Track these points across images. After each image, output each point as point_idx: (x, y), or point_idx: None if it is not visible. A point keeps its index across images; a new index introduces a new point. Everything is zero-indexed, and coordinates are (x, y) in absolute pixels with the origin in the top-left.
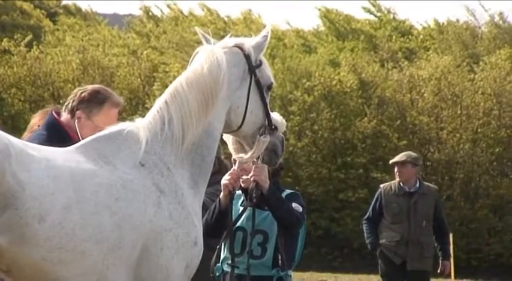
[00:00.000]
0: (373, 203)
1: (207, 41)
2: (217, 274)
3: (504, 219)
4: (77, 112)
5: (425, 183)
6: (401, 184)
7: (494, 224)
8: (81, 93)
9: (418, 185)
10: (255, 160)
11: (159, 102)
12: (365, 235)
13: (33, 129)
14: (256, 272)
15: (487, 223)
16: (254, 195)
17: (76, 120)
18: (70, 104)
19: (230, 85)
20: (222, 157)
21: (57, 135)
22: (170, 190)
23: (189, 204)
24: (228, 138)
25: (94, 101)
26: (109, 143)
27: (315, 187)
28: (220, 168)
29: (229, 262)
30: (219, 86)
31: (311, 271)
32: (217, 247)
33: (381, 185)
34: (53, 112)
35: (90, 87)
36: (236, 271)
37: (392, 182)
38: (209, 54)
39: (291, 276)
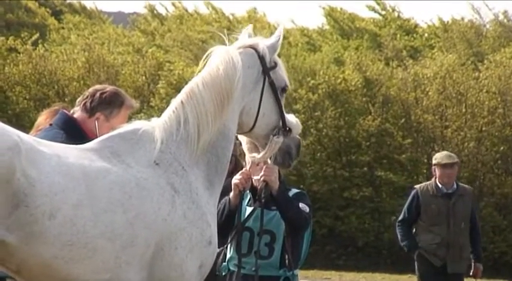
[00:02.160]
0: (407, 204)
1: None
2: (223, 273)
3: (508, 218)
4: (97, 113)
5: (461, 184)
6: (440, 185)
7: (499, 223)
8: (102, 94)
9: (455, 186)
10: (267, 160)
11: (175, 103)
12: (399, 237)
13: (40, 128)
14: (264, 272)
15: (492, 222)
16: (263, 195)
17: (96, 121)
18: (89, 104)
19: (245, 87)
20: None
21: (75, 133)
22: (184, 189)
23: (203, 204)
24: (243, 137)
25: (114, 103)
26: (123, 142)
27: (320, 185)
28: (236, 166)
29: (236, 261)
30: (234, 87)
31: (315, 269)
32: (225, 246)
33: (416, 186)
34: (65, 111)
35: (109, 89)
36: (242, 271)
37: (428, 183)
38: (225, 56)
39: (297, 275)
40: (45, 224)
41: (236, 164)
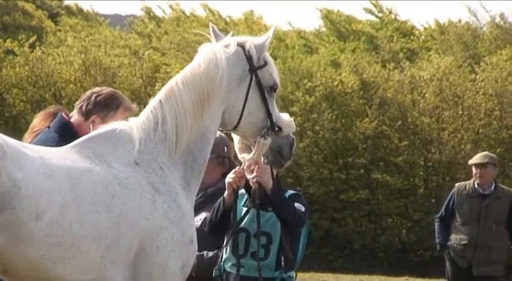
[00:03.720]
0: (446, 202)
1: (217, 37)
2: (218, 274)
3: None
4: (93, 116)
5: (501, 186)
6: (476, 186)
7: None
8: (97, 97)
9: (493, 187)
10: (260, 160)
11: (153, 102)
12: (436, 234)
13: (35, 130)
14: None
15: None
16: (257, 196)
17: (91, 124)
18: (84, 107)
19: (228, 85)
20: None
21: (70, 137)
22: (164, 189)
23: (183, 203)
24: (235, 137)
25: (110, 106)
26: (103, 142)
27: (316, 188)
28: (231, 168)
29: (232, 262)
30: (215, 86)
31: (312, 271)
32: (222, 248)
33: (456, 184)
34: (63, 114)
35: (105, 91)
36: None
37: (468, 182)
38: (209, 54)
39: (293, 277)
40: (31, 226)
41: (230, 167)
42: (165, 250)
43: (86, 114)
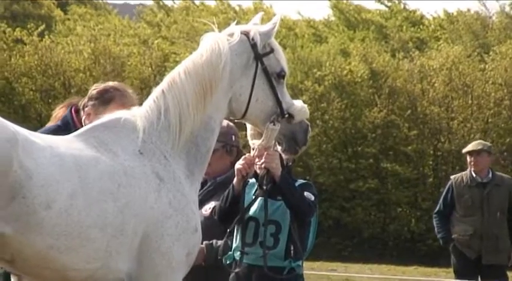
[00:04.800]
0: (443, 195)
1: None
2: (228, 262)
3: None
4: (86, 109)
5: (499, 173)
6: (474, 175)
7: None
8: (93, 90)
9: (491, 175)
10: (274, 147)
11: (156, 92)
12: (436, 229)
13: (58, 120)
14: (269, 263)
15: None
16: (265, 182)
17: (85, 117)
18: (83, 100)
19: (232, 74)
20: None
21: (68, 130)
22: (169, 178)
23: (187, 192)
24: (248, 124)
25: (100, 100)
26: (108, 131)
27: (326, 177)
28: (238, 157)
29: (241, 250)
30: (218, 75)
31: (321, 260)
32: (226, 235)
33: (452, 177)
34: (72, 108)
35: (103, 85)
36: (247, 261)
37: (464, 173)
38: (212, 43)
39: (302, 266)
40: (41, 215)
41: (239, 156)
42: (170, 239)
43: (82, 107)
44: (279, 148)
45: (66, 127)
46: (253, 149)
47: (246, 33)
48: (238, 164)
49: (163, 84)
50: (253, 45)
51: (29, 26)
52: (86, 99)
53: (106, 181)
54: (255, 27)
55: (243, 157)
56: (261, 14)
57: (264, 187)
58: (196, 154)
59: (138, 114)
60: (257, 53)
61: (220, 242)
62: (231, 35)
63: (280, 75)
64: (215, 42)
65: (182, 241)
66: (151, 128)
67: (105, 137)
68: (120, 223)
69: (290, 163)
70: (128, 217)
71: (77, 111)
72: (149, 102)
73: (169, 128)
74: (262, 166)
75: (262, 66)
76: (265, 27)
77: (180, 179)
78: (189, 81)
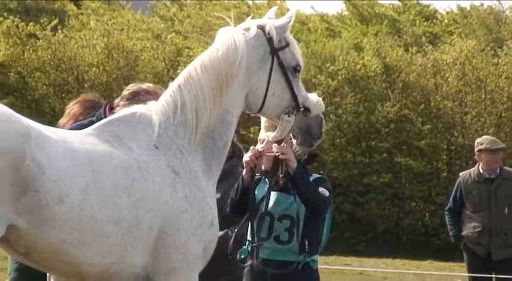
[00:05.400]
0: (453, 192)
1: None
2: (242, 257)
3: None
4: (117, 108)
5: (506, 168)
6: (481, 171)
7: None
8: (126, 90)
9: (498, 170)
10: (289, 140)
11: (172, 86)
12: (448, 227)
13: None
14: (283, 257)
15: None
16: (282, 172)
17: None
18: (117, 99)
19: (248, 69)
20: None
21: None
22: (185, 172)
23: (203, 187)
24: (261, 116)
25: (131, 101)
26: (123, 126)
27: (340, 171)
28: (234, 151)
29: (254, 244)
30: (235, 70)
31: (335, 255)
32: (235, 230)
33: (460, 174)
34: (107, 105)
35: (136, 86)
36: (262, 256)
37: (472, 169)
38: (228, 37)
39: (316, 261)
40: (54, 209)
41: (234, 149)
42: (186, 234)
43: (115, 106)
44: (293, 141)
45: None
46: (260, 142)
47: (261, 28)
48: (246, 157)
49: (180, 79)
50: (269, 40)
51: (42, 20)
52: (118, 99)
53: (120, 175)
54: (271, 21)
55: (250, 149)
56: (275, 8)
57: (281, 175)
58: (213, 148)
59: (154, 108)
60: (273, 47)
61: (221, 233)
62: (247, 29)
63: (296, 69)
64: (231, 36)
65: (198, 236)
66: (168, 123)
67: (120, 131)
68: (135, 218)
69: (305, 157)
70: (143, 211)
71: (111, 108)
72: (165, 97)
73: (185, 122)
74: (279, 157)
75: (278, 60)
76: (281, 21)
77: (197, 174)
78: (206, 75)
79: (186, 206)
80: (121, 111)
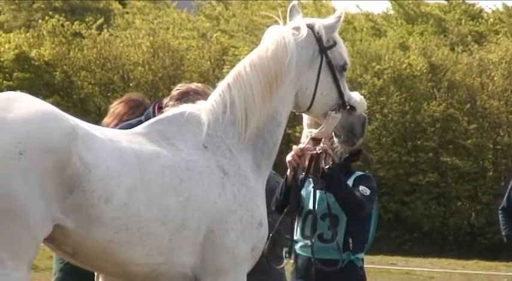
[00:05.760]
0: (508, 191)
1: (293, 16)
2: (286, 256)
3: None
4: (166, 108)
5: None
6: None
7: None
8: (175, 90)
9: None
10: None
11: (221, 86)
12: (501, 226)
13: (117, 115)
14: (327, 255)
15: None
16: (318, 170)
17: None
18: (166, 99)
19: (298, 68)
20: None
21: None
22: (234, 172)
23: (252, 186)
24: (304, 114)
25: (180, 101)
26: (171, 125)
27: (385, 171)
28: None
29: (301, 244)
30: (284, 69)
31: (381, 254)
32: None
33: None
34: (156, 104)
35: (185, 86)
36: (306, 254)
37: None
38: (277, 36)
39: (362, 259)
40: (100, 209)
41: None
42: (235, 234)
43: (164, 106)
44: (335, 140)
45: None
46: (304, 139)
47: (311, 27)
48: (289, 156)
49: (229, 78)
50: (319, 39)
51: (87, 19)
52: (167, 99)
53: (168, 175)
54: (319, 20)
55: (293, 149)
56: (343, 9)
57: (326, 167)
58: (262, 147)
59: (203, 108)
60: (322, 47)
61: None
62: (296, 28)
63: (343, 68)
64: (280, 35)
65: (247, 236)
66: (217, 122)
67: (168, 131)
68: (183, 218)
69: (346, 155)
70: (191, 211)
71: (160, 107)
72: (215, 96)
73: (235, 122)
74: (319, 151)
75: (326, 59)
76: (329, 20)
77: (246, 173)
78: (255, 74)
79: (234, 206)
80: (170, 111)
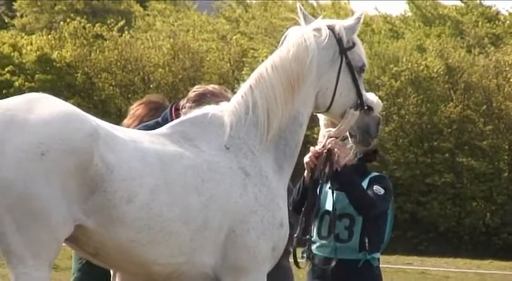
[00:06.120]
0: None
1: (305, 17)
2: (303, 256)
3: None
4: (183, 110)
5: None
6: None
7: None
8: (192, 91)
9: None
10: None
11: (244, 87)
12: None
13: (137, 117)
14: (343, 255)
15: None
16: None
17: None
18: (183, 101)
19: (319, 68)
20: None
21: None
22: (255, 173)
23: (274, 187)
24: (321, 114)
25: (197, 103)
26: (194, 127)
27: (402, 171)
28: None
29: (318, 244)
30: (306, 70)
31: (397, 254)
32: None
33: None
34: (173, 106)
35: (202, 88)
36: (323, 254)
37: None
38: (298, 38)
39: (378, 259)
40: (122, 209)
41: None
42: (256, 234)
43: (181, 107)
44: (350, 140)
45: (164, 124)
46: (324, 137)
47: (331, 28)
48: (306, 158)
49: (251, 79)
50: (339, 40)
51: (108, 21)
52: (185, 100)
53: (190, 176)
54: (340, 22)
55: (310, 150)
56: (362, 11)
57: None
58: (285, 148)
59: (226, 109)
60: (342, 48)
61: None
62: (317, 30)
63: (361, 69)
64: (301, 36)
65: (268, 236)
66: (239, 124)
67: (190, 132)
68: (205, 218)
69: (360, 155)
70: (213, 211)
71: (177, 109)
72: (237, 97)
73: (257, 123)
74: (329, 146)
75: (346, 60)
76: (349, 22)
77: (267, 174)
78: (276, 76)
79: (256, 206)
80: (193, 112)
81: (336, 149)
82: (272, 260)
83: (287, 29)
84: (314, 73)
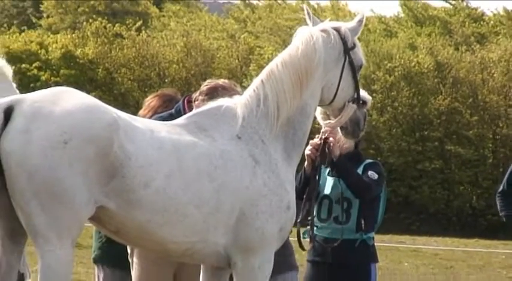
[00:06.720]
0: (507, 176)
1: (311, 19)
2: (305, 237)
3: None
4: (196, 102)
5: None
6: None
7: None
8: (204, 85)
9: None
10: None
11: (255, 82)
12: (498, 208)
13: (152, 108)
14: (343, 235)
15: None
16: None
17: (194, 109)
18: (196, 93)
19: (326, 65)
20: None
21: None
22: (264, 160)
23: (282, 173)
24: (317, 108)
25: (209, 96)
26: (208, 118)
27: (395, 158)
28: None
29: (319, 226)
30: (314, 65)
31: (391, 234)
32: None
33: None
34: (186, 98)
35: (214, 82)
36: (323, 235)
37: None
38: (307, 36)
39: (373, 238)
40: (140, 193)
41: None
42: (264, 216)
43: (193, 100)
44: (340, 131)
45: (178, 115)
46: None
47: (337, 30)
48: (308, 150)
49: (263, 75)
50: (344, 41)
51: (127, 22)
52: (197, 93)
53: (203, 162)
54: (344, 24)
55: (310, 142)
56: (364, 13)
57: (334, 156)
58: (293, 137)
59: (238, 102)
60: (346, 48)
61: None
62: (324, 30)
63: (360, 67)
64: (310, 35)
65: (275, 218)
66: (251, 115)
67: (205, 123)
68: (217, 201)
69: (353, 147)
70: (224, 196)
71: (190, 101)
72: (249, 91)
73: (267, 114)
74: (323, 137)
75: (349, 59)
76: (352, 24)
77: (277, 161)
78: (286, 72)
79: (265, 191)
80: (208, 105)
81: (331, 138)
82: (279, 240)
83: (291, 28)
84: (321, 69)
